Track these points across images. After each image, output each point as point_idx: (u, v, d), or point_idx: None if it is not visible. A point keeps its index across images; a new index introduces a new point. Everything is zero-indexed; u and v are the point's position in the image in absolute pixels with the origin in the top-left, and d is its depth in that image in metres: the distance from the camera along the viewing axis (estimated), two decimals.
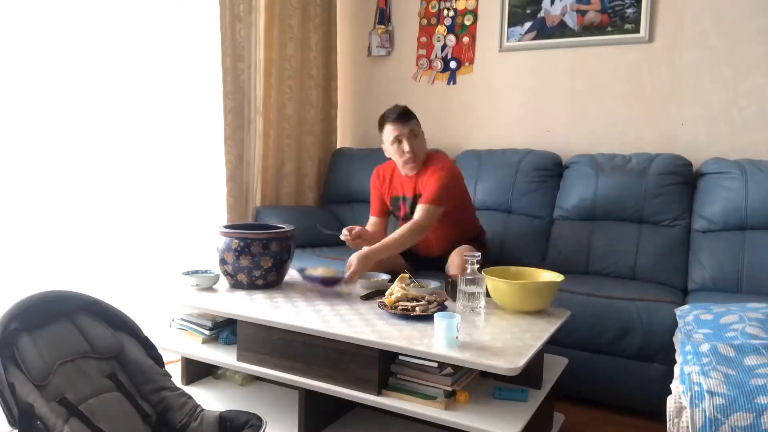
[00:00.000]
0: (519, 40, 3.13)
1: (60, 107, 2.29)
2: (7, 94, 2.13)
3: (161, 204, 2.68)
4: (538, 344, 1.57)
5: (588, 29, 2.95)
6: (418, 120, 2.40)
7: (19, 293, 1.42)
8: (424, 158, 2.42)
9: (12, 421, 1.26)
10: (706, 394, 1.32)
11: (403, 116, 2.35)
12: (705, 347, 1.55)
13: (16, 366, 1.30)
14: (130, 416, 1.44)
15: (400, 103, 2.43)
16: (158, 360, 1.59)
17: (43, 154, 2.25)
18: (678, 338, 1.78)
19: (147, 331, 1.63)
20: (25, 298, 1.39)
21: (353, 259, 2.14)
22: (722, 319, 1.71)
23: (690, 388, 1.36)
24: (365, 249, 2.20)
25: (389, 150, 2.42)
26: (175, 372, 1.92)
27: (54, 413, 1.28)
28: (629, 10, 2.85)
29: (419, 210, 2.31)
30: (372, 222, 2.57)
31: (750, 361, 1.46)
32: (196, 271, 2.16)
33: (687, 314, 1.84)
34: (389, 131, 2.36)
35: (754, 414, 1.26)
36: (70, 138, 2.33)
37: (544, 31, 3.06)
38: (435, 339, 1.56)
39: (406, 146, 2.33)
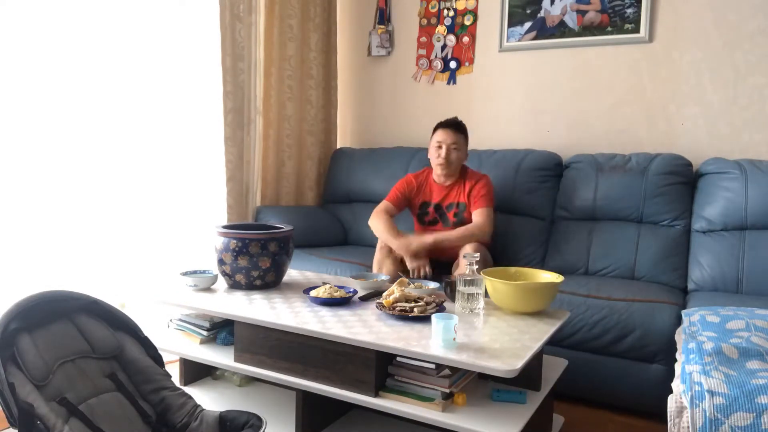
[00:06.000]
0: (519, 40, 3.13)
1: (60, 107, 2.29)
2: (8, 95, 2.13)
3: (161, 204, 2.69)
4: (536, 346, 1.56)
5: (588, 29, 2.95)
6: (467, 137, 2.61)
7: (19, 293, 1.43)
8: (458, 172, 2.61)
9: (12, 421, 1.26)
10: (706, 394, 1.31)
11: (453, 126, 2.56)
12: (709, 345, 1.54)
13: (16, 366, 1.30)
14: (130, 416, 1.45)
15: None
16: (158, 360, 1.59)
17: (44, 155, 2.25)
18: (681, 337, 1.77)
19: (146, 331, 1.63)
20: (25, 298, 1.39)
21: (411, 258, 2.36)
22: (728, 323, 1.69)
23: (690, 387, 1.35)
24: (419, 242, 2.36)
25: (431, 152, 2.60)
26: (173, 372, 1.92)
27: (54, 413, 1.28)
28: (629, 10, 2.85)
29: (479, 214, 2.48)
30: (386, 207, 2.63)
31: (752, 365, 1.45)
32: (195, 272, 2.16)
33: (693, 314, 1.83)
34: (437, 135, 2.58)
35: (755, 414, 1.25)
36: (71, 138, 2.34)
37: (544, 31, 3.05)
38: (432, 340, 1.55)
39: (443, 152, 2.52)
